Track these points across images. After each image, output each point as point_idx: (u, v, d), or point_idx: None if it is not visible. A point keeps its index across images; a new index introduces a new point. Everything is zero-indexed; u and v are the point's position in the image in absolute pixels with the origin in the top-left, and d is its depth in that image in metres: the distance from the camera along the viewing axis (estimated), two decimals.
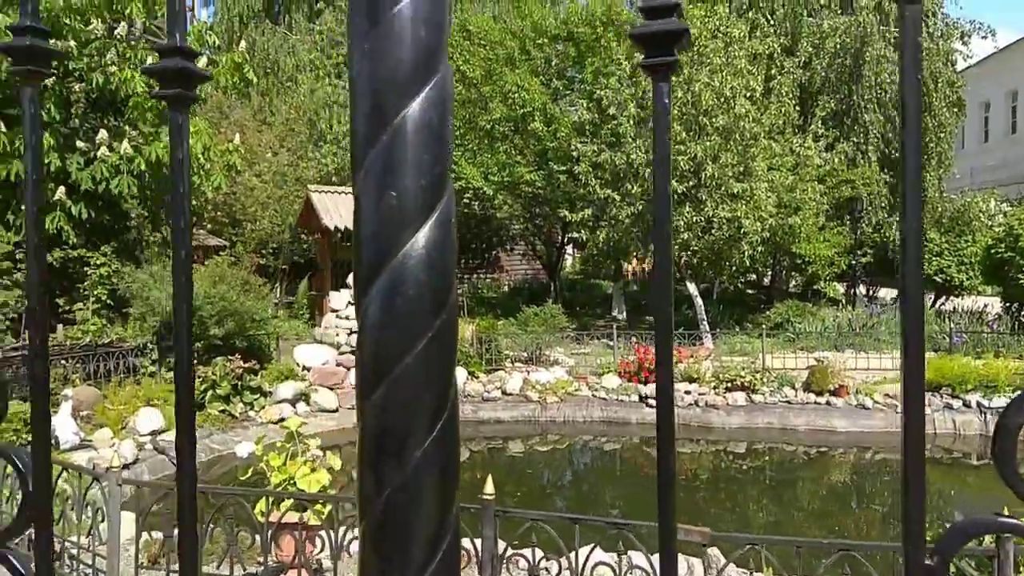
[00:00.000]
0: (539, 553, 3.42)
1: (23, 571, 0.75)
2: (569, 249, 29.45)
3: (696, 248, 15.30)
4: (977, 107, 27.68)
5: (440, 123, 0.61)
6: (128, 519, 4.73)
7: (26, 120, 0.75)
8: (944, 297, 18.77)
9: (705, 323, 15.81)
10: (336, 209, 15.11)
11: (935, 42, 18.87)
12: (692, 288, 16.28)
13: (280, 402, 10.91)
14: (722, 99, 13.99)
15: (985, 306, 16.77)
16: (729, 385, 11.73)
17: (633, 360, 12.58)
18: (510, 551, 3.49)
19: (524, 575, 3.77)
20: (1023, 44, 26.03)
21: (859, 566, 3.13)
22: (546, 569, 3.50)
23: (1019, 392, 0.64)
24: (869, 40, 18.00)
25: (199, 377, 9.81)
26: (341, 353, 11.90)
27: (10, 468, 0.75)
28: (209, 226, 17.56)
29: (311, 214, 15.46)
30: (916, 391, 0.65)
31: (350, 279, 12.91)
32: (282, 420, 10.74)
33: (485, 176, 17.79)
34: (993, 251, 15.62)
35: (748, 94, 14.41)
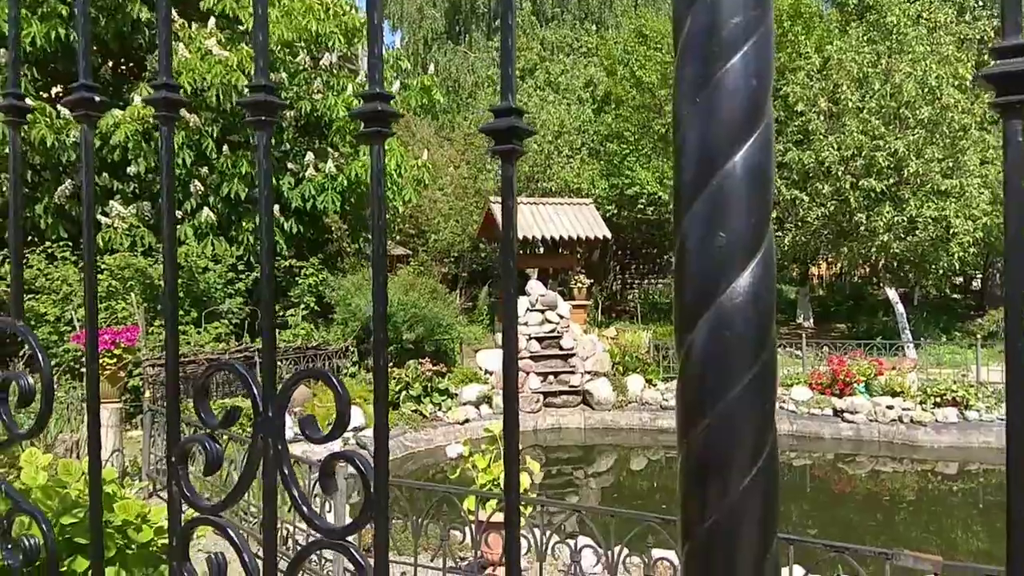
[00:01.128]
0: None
1: (362, 564, 0.87)
2: None
3: (897, 251, 14.13)
4: None
5: (766, 166, 0.64)
6: (347, 509, 5.18)
7: (259, 163, 0.87)
8: None
9: (908, 332, 14.54)
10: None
11: None
12: (892, 294, 15.05)
13: (465, 404, 11.39)
14: (926, 89, 12.82)
15: None
16: (938, 400, 10.70)
17: (826, 371, 11.82)
18: None
19: None
20: None
21: None
22: None
23: None
24: None
25: (394, 378, 10.49)
26: (520, 359, 12.21)
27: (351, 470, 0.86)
28: (398, 237, 18.73)
29: (491, 224, 16.01)
30: None
31: (529, 286, 13.27)
32: (467, 421, 11.24)
33: (660, 181, 17.53)
34: None
35: (957, 82, 13.10)
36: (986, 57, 14.80)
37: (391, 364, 10.21)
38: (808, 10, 15.68)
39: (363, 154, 12.65)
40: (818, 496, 10.18)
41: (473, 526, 3.76)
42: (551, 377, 12.37)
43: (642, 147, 18.38)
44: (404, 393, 10.69)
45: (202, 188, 12.05)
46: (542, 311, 12.81)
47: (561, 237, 15.15)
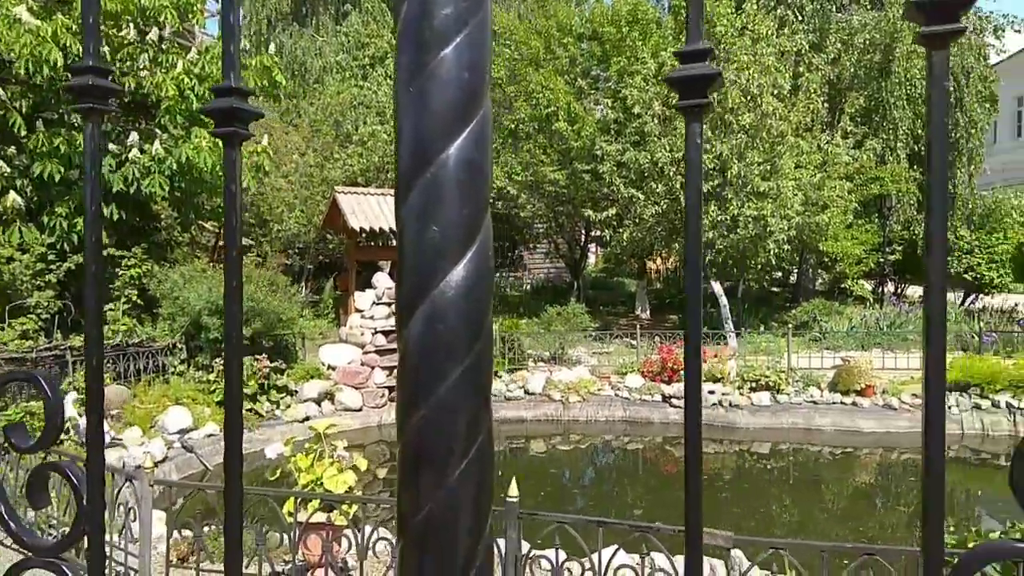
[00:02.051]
0: (562, 554, 3.45)
1: None
2: (592, 248, 29.44)
3: (721, 247, 15.23)
4: (1010, 101, 27.14)
5: (481, 159, 0.64)
6: (158, 518, 4.84)
7: (87, 154, 0.79)
8: (974, 296, 18.46)
9: (730, 322, 15.71)
10: (361, 210, 15.23)
11: (968, 37, 18.52)
12: (716, 287, 16.19)
13: (305, 401, 11.04)
14: (748, 97, 13.89)
15: (1016, 305, 16.47)
16: (754, 385, 11.66)
17: (656, 360, 12.54)
18: (534, 552, 3.52)
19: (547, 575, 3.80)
20: None
21: (883, 570, 3.12)
22: (569, 570, 3.53)
23: None
24: (899, 36, 17.72)
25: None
26: (366, 353, 12.01)
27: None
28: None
29: (337, 215, 15.59)
30: (937, 401, 0.66)
31: (375, 279, 13.06)
32: (308, 419, 10.89)
33: (509, 176, 17.82)
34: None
35: (775, 91, 14.29)
36: (801, 68, 16.29)
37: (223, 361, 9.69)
38: (646, 16, 16.52)
39: (196, 136, 11.88)
40: (649, 479, 10.78)
41: (297, 529, 3.64)
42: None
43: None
44: None
45: (8, 169, 10.85)
46: (389, 304, 12.65)
47: (374, 229, 15.03)
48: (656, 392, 11.98)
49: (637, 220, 15.40)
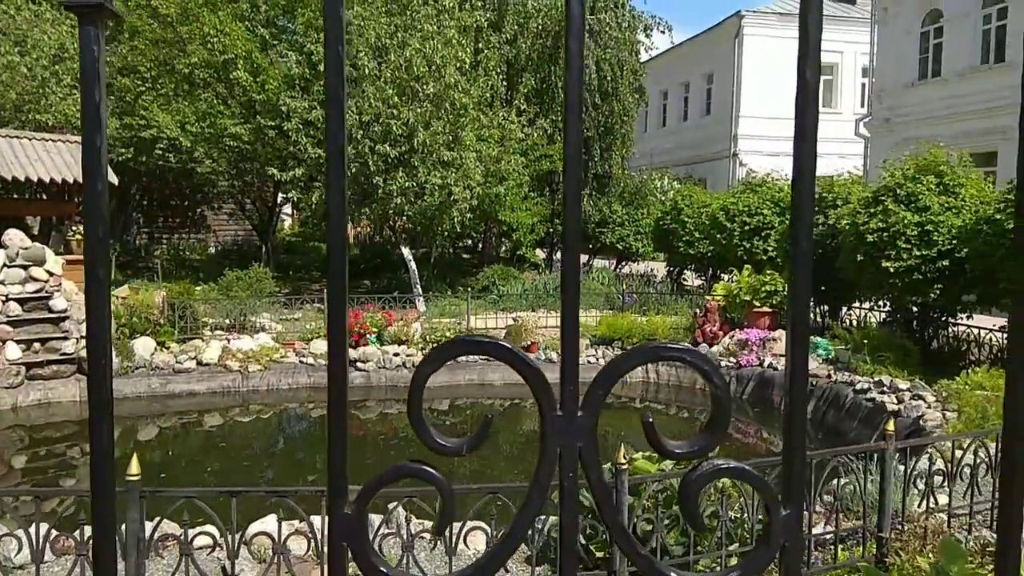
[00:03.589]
0: (193, 531, 3.23)
1: None
2: (288, 209, 28.18)
3: (410, 213, 15.55)
4: (658, 95, 31.48)
5: None
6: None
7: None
8: (624, 263, 21.29)
9: (418, 287, 16.19)
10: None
11: (623, 32, 20.98)
12: (407, 252, 16.56)
13: None
14: (433, 67, 14.23)
15: (653, 271, 19.35)
16: (436, 345, 12.15)
17: None
18: (158, 533, 3.26)
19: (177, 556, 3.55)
20: (697, 40, 30.12)
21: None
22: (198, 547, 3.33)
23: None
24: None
25: None
26: None
27: None
28: None
29: None
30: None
31: (6, 236, 11.05)
32: None
33: (182, 126, 16.22)
34: (661, 222, 18.01)
35: (458, 65, 14.83)
36: (481, 45, 17.11)
37: None
38: None
39: None
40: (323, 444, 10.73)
41: None
42: (37, 344, 10.58)
43: (161, 86, 16.74)
44: None
45: None
46: (24, 267, 10.83)
47: (53, 180, 12.92)
48: None
49: (326, 183, 15.05)
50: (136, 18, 16.69)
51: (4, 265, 10.62)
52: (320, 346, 12.17)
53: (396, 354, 12.03)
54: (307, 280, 20.15)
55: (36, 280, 10.83)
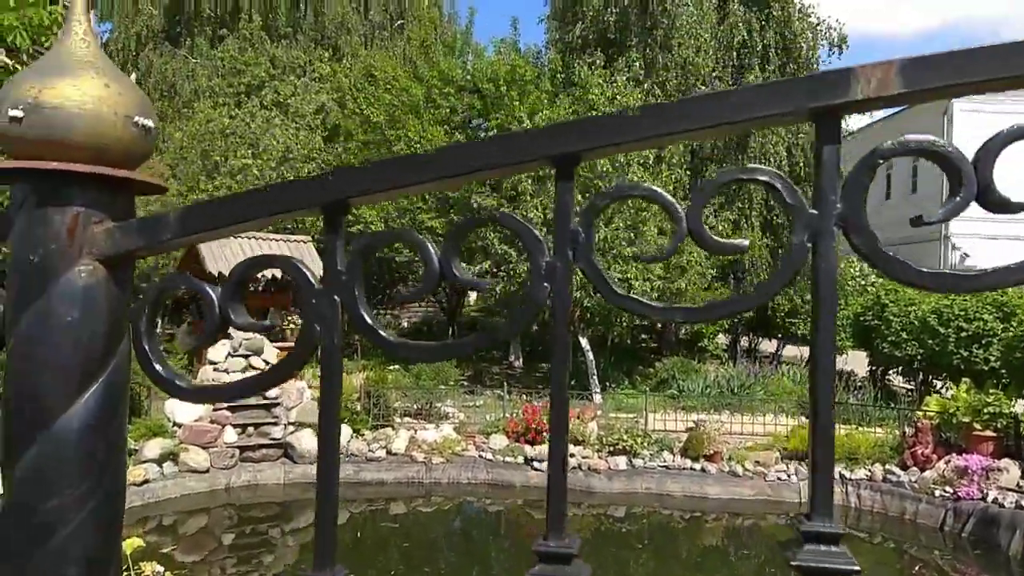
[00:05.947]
0: None
1: None
2: None
3: (588, 305, 15.65)
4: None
5: None
6: None
7: None
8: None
9: (595, 378, 16.13)
10: (223, 253, 14.54)
11: None
12: (584, 343, 16.60)
13: (145, 462, 10.32)
14: (616, 165, 14.45)
15: (851, 370, 17.60)
16: (612, 449, 11.95)
17: (520, 420, 12.63)
18: None
19: None
20: (899, 116, 28.27)
21: None
22: None
23: None
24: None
25: None
26: (216, 409, 11.37)
27: None
28: None
29: (194, 258, 14.77)
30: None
31: (232, 329, 12.44)
32: (147, 482, 10.19)
33: (385, 221, 17.65)
34: (861, 318, 16.63)
35: (641, 160, 14.95)
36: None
37: None
38: (523, 78, 16.91)
39: None
40: (502, 542, 10.85)
41: None
42: (251, 428, 11.70)
43: None
44: None
45: None
46: (246, 356, 12.11)
47: (275, 276, 14.47)
48: (519, 453, 12.03)
49: (511, 273, 15.59)
50: (352, 124, 18.58)
51: (228, 355, 11.95)
52: (498, 441, 12.40)
53: (571, 455, 11.94)
54: (488, 361, 20.75)
55: (254, 369, 12.05)
